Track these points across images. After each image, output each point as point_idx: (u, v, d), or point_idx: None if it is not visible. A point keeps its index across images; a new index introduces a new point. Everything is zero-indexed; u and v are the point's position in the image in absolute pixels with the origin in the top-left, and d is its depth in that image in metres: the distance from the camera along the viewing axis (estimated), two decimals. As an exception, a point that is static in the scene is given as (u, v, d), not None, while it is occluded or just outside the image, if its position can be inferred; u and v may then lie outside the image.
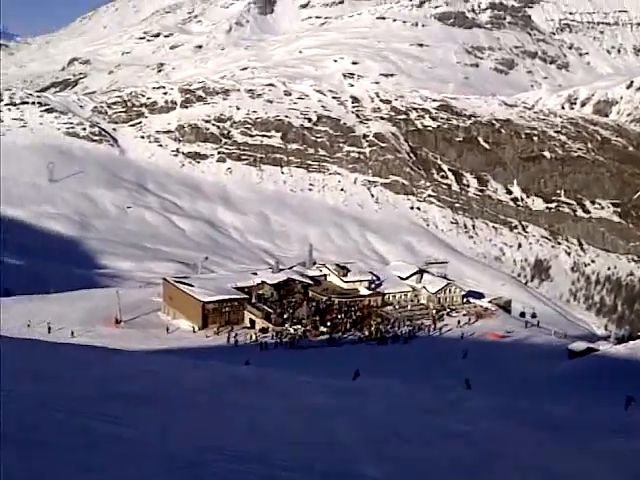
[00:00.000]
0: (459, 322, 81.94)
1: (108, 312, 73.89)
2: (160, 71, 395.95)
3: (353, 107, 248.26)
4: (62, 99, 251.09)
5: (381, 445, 7.39)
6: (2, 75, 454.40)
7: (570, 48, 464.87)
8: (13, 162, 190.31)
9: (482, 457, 7.27)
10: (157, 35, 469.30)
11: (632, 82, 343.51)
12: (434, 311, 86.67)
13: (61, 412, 6.70)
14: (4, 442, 5.35)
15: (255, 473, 5.56)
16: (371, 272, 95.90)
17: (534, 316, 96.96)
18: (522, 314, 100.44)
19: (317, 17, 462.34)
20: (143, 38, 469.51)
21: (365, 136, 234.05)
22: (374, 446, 7.28)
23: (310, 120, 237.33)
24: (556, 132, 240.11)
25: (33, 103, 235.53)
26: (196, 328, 74.04)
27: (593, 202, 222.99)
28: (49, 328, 66.60)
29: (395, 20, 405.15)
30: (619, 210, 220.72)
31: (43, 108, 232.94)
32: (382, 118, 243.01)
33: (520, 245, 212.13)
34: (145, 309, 78.49)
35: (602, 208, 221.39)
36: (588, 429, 10.56)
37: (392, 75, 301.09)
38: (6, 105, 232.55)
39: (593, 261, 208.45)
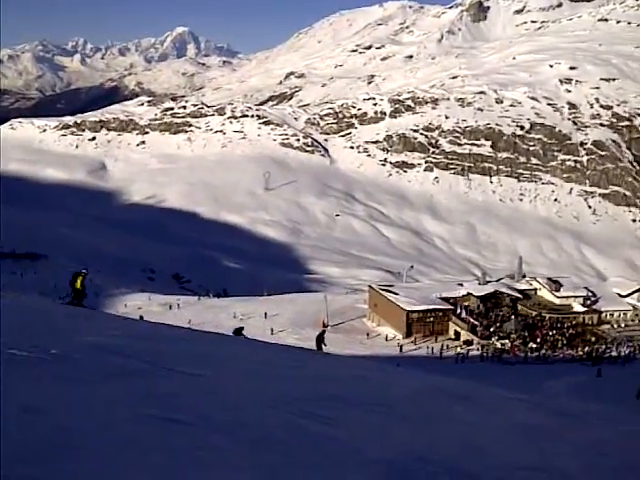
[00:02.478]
0: (689, 347, 74.03)
1: (316, 316, 76.24)
2: (370, 82, 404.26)
3: (570, 114, 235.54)
4: (278, 112, 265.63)
5: (607, 474, 6.62)
6: (226, 90, 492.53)
7: None
8: (233, 171, 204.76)
9: None
10: (369, 47, 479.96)
11: None
12: (659, 333, 79.39)
13: (284, 411, 6.74)
14: (233, 436, 5.47)
15: None
16: (586, 288, 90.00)
17: None
18: None
19: (532, 22, 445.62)
20: (355, 51, 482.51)
21: (583, 144, 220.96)
22: (600, 475, 6.55)
23: (522, 128, 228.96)
24: None
25: (252, 116, 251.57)
26: (400, 336, 73.95)
27: None
28: (271, 330, 70.18)
29: (619, 22, 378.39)
30: None
31: (261, 120, 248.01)
32: (602, 125, 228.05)
33: None
34: (350, 315, 79.98)
35: None
36: None
37: (614, 79, 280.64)
38: (228, 118, 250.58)
39: None
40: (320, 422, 6.56)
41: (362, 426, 6.93)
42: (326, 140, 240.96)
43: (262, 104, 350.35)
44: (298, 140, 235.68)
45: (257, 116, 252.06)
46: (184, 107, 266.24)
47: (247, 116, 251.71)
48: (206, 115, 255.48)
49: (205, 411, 6.10)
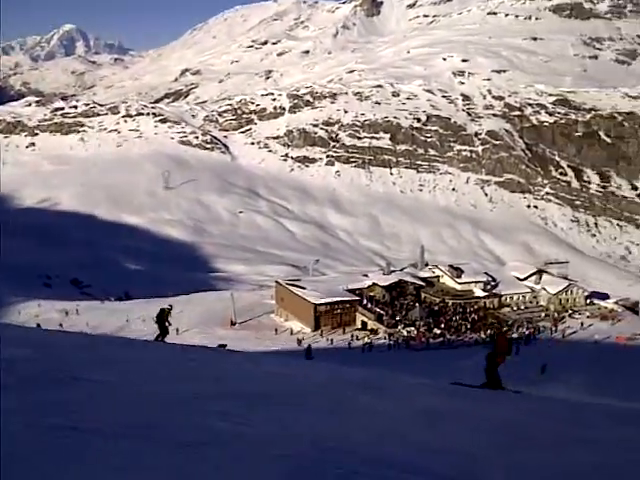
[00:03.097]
0: (582, 324, 77.77)
1: (223, 314, 75.25)
2: (268, 78, 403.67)
3: (464, 105, 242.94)
4: (175, 109, 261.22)
5: (509, 451, 6.86)
6: (118, 88, 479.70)
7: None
8: (130, 171, 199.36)
9: (620, 464, 6.84)
10: (265, 43, 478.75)
11: None
12: (555, 313, 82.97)
13: (185, 411, 6.72)
14: (134, 439, 5.32)
15: (382, 476, 5.21)
16: (486, 273, 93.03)
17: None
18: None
19: (425, 16, 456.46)
20: (251, 46, 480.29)
21: (477, 134, 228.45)
22: (498, 451, 6.82)
23: (419, 120, 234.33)
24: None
25: (148, 114, 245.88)
26: (308, 330, 73.84)
27: None
28: (177, 330, 68.39)
29: (507, 15, 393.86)
30: None
31: (157, 118, 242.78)
32: (495, 115, 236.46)
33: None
34: (258, 311, 79.50)
35: None
36: None
37: (505, 71, 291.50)
38: (123, 117, 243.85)
39: None
40: (228, 420, 6.52)
41: (270, 421, 6.96)
42: (226, 137, 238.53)
43: (158, 102, 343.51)
44: (197, 137, 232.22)
45: (153, 114, 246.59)
46: (75, 107, 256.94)
47: (143, 114, 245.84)
48: (99, 114, 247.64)
49: (111, 417, 5.95)
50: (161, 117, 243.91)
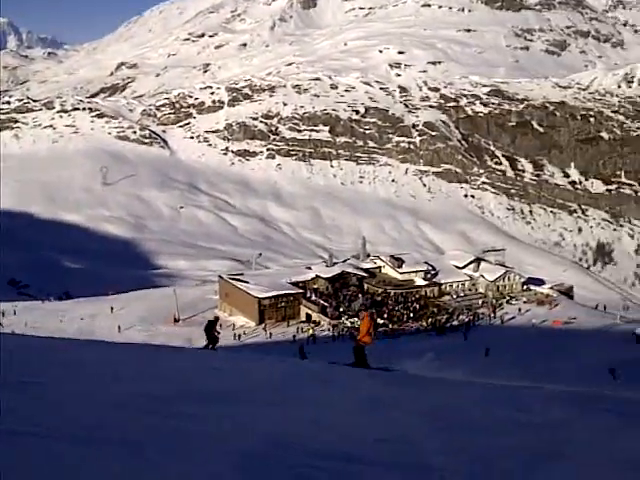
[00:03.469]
0: (520, 310, 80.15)
1: (167, 311, 74.68)
2: (206, 71, 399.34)
3: (401, 97, 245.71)
4: (112, 104, 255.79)
5: (450, 436, 7.15)
6: (53, 83, 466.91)
7: (624, 25, 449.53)
8: (67, 167, 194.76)
9: (551, 444, 7.07)
10: (201, 36, 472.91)
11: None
12: (493, 299, 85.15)
13: (134, 410, 6.73)
14: (77, 441, 5.23)
15: (332, 468, 5.37)
16: (427, 262, 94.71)
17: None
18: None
19: (361, 8, 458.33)
20: (188, 39, 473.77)
21: (415, 126, 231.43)
22: (442, 437, 7.06)
23: (358, 112, 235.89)
24: (613, 112, 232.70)
25: (84, 109, 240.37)
26: (253, 324, 74.02)
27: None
28: (119, 327, 67.74)
29: (440, 7, 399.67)
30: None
31: (94, 113, 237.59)
32: (431, 106, 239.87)
33: (580, 229, 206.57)
34: (202, 307, 79.11)
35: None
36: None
37: (440, 62, 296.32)
38: (58, 112, 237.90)
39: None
40: (177, 418, 6.51)
41: (219, 418, 6.93)
42: (164, 131, 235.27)
43: (94, 96, 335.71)
44: (135, 132, 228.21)
45: (89, 109, 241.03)
46: (8, 102, 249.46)
47: (78, 109, 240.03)
48: (33, 110, 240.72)
49: (46, 420, 5.82)
50: (97, 112, 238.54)
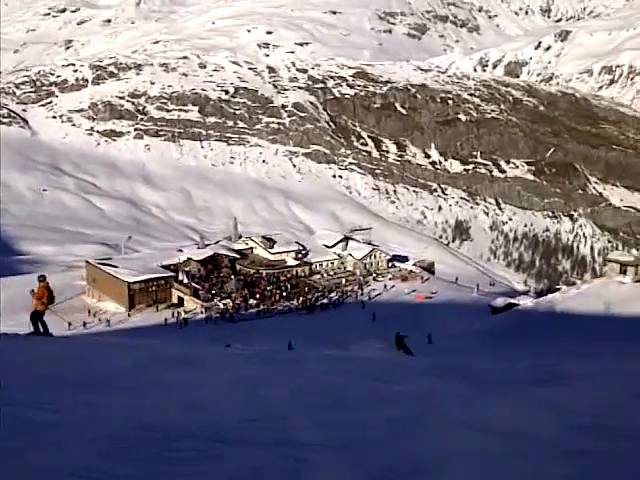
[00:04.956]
0: (385, 286, 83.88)
1: (30, 299, 71.85)
2: (69, 48, 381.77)
3: (270, 78, 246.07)
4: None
5: (318, 411, 7.49)
6: None
7: (480, 11, 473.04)
8: None
9: (414, 415, 7.52)
10: (63, 10, 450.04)
11: (540, 43, 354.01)
12: (361, 277, 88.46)
13: None
14: None
15: (195, 449, 5.59)
16: (297, 242, 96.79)
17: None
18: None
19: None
20: (48, 14, 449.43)
21: (284, 106, 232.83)
22: (311, 413, 7.41)
23: (227, 92, 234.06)
24: (470, 95, 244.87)
25: None
26: (123, 309, 73.14)
27: (508, 162, 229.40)
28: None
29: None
30: (533, 168, 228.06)
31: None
32: (300, 88, 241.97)
33: (440, 207, 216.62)
34: (69, 294, 76.80)
35: (517, 167, 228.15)
36: (509, 381, 11.12)
37: (307, 44, 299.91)
38: None
39: (510, 219, 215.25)
40: (35, 408, 6.56)
41: (80, 406, 7.04)
42: (24, 110, 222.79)
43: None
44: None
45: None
46: None
47: None
48: None
49: None
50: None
